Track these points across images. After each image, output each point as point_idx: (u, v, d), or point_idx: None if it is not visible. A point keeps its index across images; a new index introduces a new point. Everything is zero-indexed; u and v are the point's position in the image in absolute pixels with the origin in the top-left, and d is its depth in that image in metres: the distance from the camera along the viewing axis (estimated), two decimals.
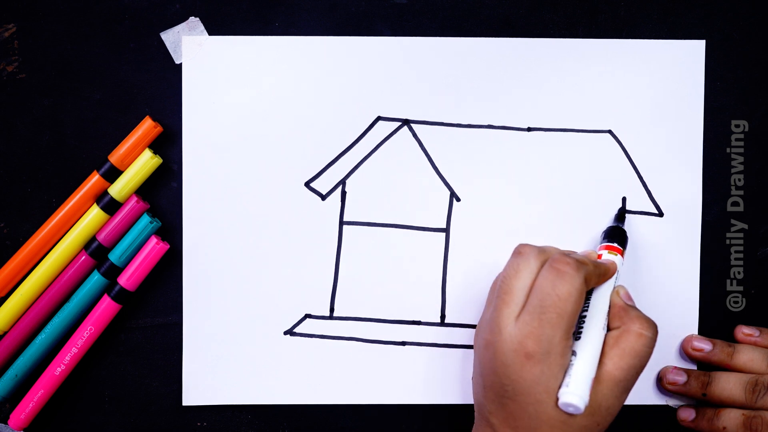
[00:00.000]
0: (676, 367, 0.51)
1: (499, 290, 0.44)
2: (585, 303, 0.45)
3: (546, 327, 0.41)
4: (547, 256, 0.44)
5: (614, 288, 0.47)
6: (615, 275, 0.47)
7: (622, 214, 0.51)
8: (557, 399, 0.41)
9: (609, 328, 0.45)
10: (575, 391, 0.41)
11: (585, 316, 0.45)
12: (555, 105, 0.51)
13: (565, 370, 0.42)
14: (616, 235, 0.49)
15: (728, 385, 0.49)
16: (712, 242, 0.52)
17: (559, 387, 0.42)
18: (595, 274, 0.45)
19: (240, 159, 0.51)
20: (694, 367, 0.51)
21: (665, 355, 0.51)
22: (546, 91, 0.51)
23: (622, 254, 0.48)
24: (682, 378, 0.50)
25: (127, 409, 0.52)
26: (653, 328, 0.44)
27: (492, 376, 0.43)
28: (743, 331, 0.51)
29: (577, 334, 0.44)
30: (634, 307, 0.45)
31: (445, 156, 0.51)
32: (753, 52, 0.52)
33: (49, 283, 0.50)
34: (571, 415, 0.41)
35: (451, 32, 0.51)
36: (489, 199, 0.51)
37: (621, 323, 0.44)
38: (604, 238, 0.49)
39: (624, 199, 0.51)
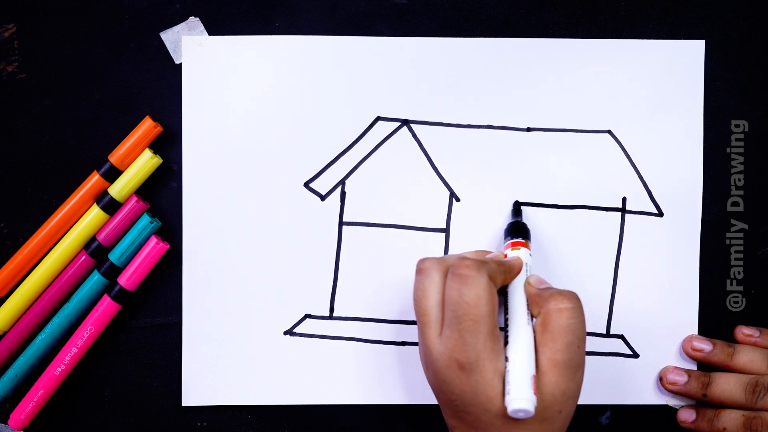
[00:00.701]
0: (676, 368, 0.51)
1: (416, 313, 0.44)
2: (505, 305, 0.45)
3: (466, 336, 0.41)
4: (447, 265, 0.44)
5: (526, 279, 0.46)
6: (524, 269, 0.46)
7: (517, 208, 0.50)
8: (505, 407, 0.40)
9: (533, 319, 0.44)
10: (518, 396, 0.40)
11: (508, 319, 0.44)
12: (555, 105, 0.51)
13: (501, 374, 0.41)
14: (516, 230, 0.48)
15: (728, 386, 0.49)
16: (712, 242, 0.52)
17: (503, 394, 0.41)
18: (499, 272, 0.44)
19: (240, 159, 0.51)
20: (695, 368, 0.51)
21: (665, 355, 0.51)
22: (545, 91, 0.51)
23: (526, 246, 0.47)
24: (682, 378, 0.50)
25: (127, 409, 0.52)
26: (571, 298, 0.42)
27: (440, 394, 0.44)
28: (743, 332, 0.51)
29: (506, 339, 0.43)
30: (548, 287, 0.44)
31: (445, 156, 0.51)
32: (753, 52, 0.51)
33: (49, 283, 0.50)
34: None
35: (451, 32, 0.51)
36: (489, 199, 0.51)
37: (540, 308, 0.43)
38: (505, 237, 0.49)
39: (624, 200, 0.51)
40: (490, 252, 0.49)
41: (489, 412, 0.41)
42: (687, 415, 0.50)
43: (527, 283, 0.45)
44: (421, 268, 0.44)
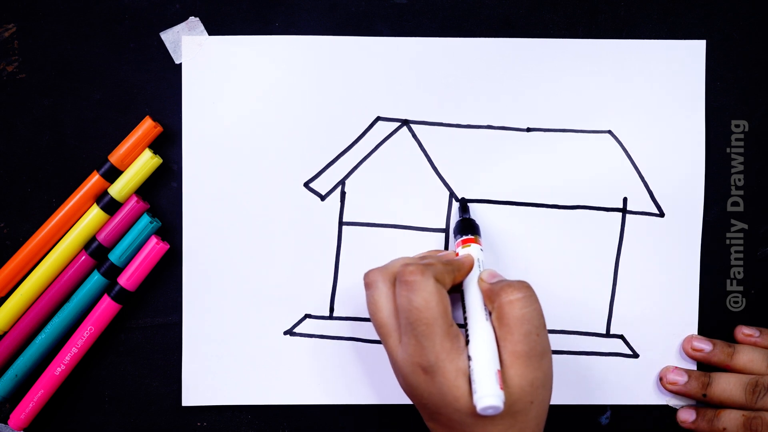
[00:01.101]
0: (676, 368, 0.51)
1: (374, 327, 0.44)
2: (462, 303, 0.45)
3: (423, 340, 0.41)
4: (393, 273, 0.44)
5: (479, 275, 0.45)
6: (476, 265, 0.46)
7: (464, 205, 0.50)
8: (474, 406, 0.40)
9: (490, 314, 0.44)
10: (484, 393, 0.40)
11: (467, 317, 0.44)
12: (555, 105, 0.51)
13: (465, 373, 0.41)
14: (465, 228, 0.48)
15: (728, 386, 0.49)
16: (712, 242, 0.52)
17: (470, 393, 0.40)
18: (447, 271, 0.44)
19: (240, 159, 0.51)
20: (695, 368, 0.51)
21: (665, 355, 0.51)
22: (546, 92, 0.51)
23: (476, 242, 0.47)
24: (682, 378, 0.50)
25: (127, 409, 0.52)
26: (521, 287, 0.42)
27: (413, 398, 0.44)
28: (743, 332, 0.51)
29: (467, 337, 0.43)
30: (500, 280, 0.44)
31: (445, 156, 0.51)
32: (753, 52, 0.51)
33: (49, 283, 0.50)
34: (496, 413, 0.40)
35: (451, 32, 0.51)
36: (489, 199, 0.51)
37: (493, 302, 0.43)
38: (455, 235, 0.49)
39: (625, 200, 0.51)
40: (441, 251, 0.49)
41: (459, 411, 0.41)
42: (687, 416, 0.50)
43: (480, 279, 0.45)
44: (368, 282, 0.45)
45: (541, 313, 0.42)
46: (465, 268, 0.45)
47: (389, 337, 0.43)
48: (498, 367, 0.41)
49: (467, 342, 0.42)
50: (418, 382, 0.42)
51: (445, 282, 0.43)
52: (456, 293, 0.46)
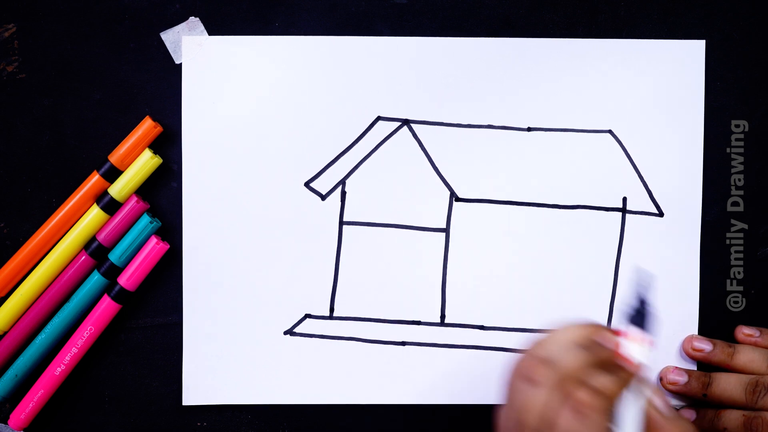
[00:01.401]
0: (676, 368, 0.51)
1: (506, 419, 0.40)
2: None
3: None
4: (565, 376, 0.37)
5: (647, 398, 0.39)
6: (642, 377, 0.39)
7: (645, 286, 0.41)
8: None
9: None
10: None
11: None
12: (555, 105, 0.51)
13: None
14: (641, 319, 0.39)
15: (728, 386, 0.49)
16: (712, 242, 0.52)
17: None
18: (617, 391, 0.38)
19: (240, 159, 0.51)
20: (695, 368, 0.51)
21: (665, 355, 0.51)
22: (546, 91, 0.51)
23: (651, 342, 0.39)
24: (682, 378, 0.50)
25: (127, 409, 0.52)
26: None
27: None
28: (744, 332, 0.51)
29: None
30: (677, 417, 0.39)
31: (445, 156, 0.51)
32: (753, 52, 0.51)
33: (49, 283, 0.50)
34: None
35: (451, 32, 0.51)
36: (489, 199, 0.51)
37: None
38: (628, 321, 0.40)
39: (624, 200, 0.51)
40: (599, 329, 0.40)
41: None
42: (687, 415, 0.50)
43: (650, 405, 0.39)
44: (532, 377, 0.38)
45: None
46: (627, 380, 0.39)
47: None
48: None
49: None
50: None
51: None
52: None
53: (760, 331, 0.51)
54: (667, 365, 0.51)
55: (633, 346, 0.39)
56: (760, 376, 0.48)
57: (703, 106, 0.51)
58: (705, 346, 0.50)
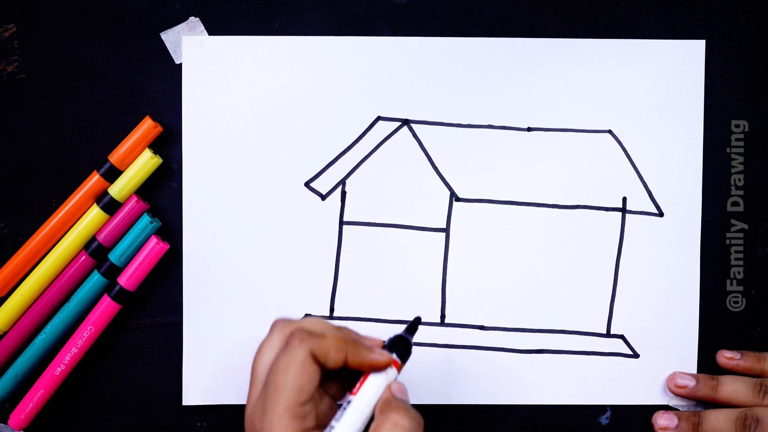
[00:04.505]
0: (666, 412, 0.51)
1: (251, 369, 0.42)
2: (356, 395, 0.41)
3: (267, 403, 0.38)
4: (293, 330, 0.40)
5: (389, 383, 0.41)
6: (384, 381, 0.41)
7: (414, 326, 0.45)
8: None
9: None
10: None
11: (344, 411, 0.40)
12: (555, 105, 0.51)
13: None
14: (401, 350, 0.43)
15: (718, 423, 0.49)
16: (712, 242, 0.52)
17: None
18: (338, 348, 0.40)
19: (240, 159, 0.51)
20: (683, 404, 0.51)
21: (665, 356, 0.51)
22: (546, 91, 0.51)
23: (398, 369, 0.42)
24: (672, 422, 0.50)
25: (127, 409, 0.52)
26: (413, 419, 0.39)
27: None
28: (725, 356, 0.51)
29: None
30: (403, 400, 0.41)
31: (445, 156, 0.51)
32: (753, 52, 0.52)
33: (49, 283, 0.50)
34: None
35: (451, 32, 0.51)
36: (489, 199, 0.51)
37: (382, 413, 0.40)
38: (390, 347, 0.43)
39: (624, 200, 0.51)
40: (368, 337, 0.43)
41: None
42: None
43: (388, 387, 0.41)
44: (271, 326, 0.42)
45: None
46: (372, 359, 0.41)
47: (253, 388, 0.41)
48: None
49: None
50: None
51: (328, 359, 0.40)
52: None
53: (741, 354, 0.51)
54: (673, 371, 0.51)
55: (392, 355, 0.42)
56: (748, 409, 0.48)
57: (703, 106, 0.51)
58: (688, 382, 0.50)
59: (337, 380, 0.42)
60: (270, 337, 0.41)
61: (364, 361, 0.41)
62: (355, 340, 0.41)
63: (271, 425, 0.38)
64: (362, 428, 0.40)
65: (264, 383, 0.39)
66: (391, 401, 0.40)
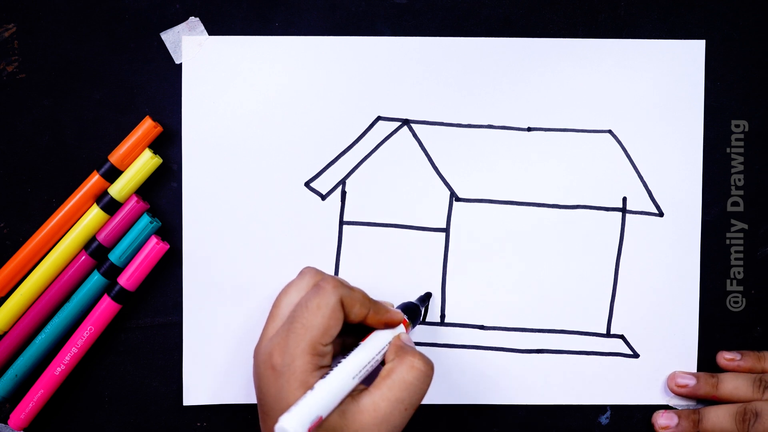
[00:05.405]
0: (666, 411, 0.51)
1: (272, 306, 0.44)
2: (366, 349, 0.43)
3: (291, 338, 0.40)
4: (321, 279, 0.43)
5: (399, 333, 0.45)
6: (400, 330, 0.45)
7: (425, 298, 0.50)
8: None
9: (385, 363, 0.43)
10: (293, 416, 0.38)
11: (345, 358, 0.42)
12: (555, 105, 0.51)
13: (306, 389, 0.40)
14: (412, 314, 0.47)
15: (718, 419, 0.49)
16: (712, 242, 0.52)
17: None
18: (363, 304, 0.43)
19: (240, 159, 0.51)
20: (684, 404, 0.51)
21: (665, 355, 0.51)
22: (546, 91, 0.51)
23: (406, 327, 0.46)
24: (673, 421, 0.50)
25: (127, 409, 0.52)
26: (428, 364, 0.42)
27: (255, 390, 0.43)
28: (725, 357, 0.51)
29: (330, 370, 0.41)
30: (414, 347, 0.44)
31: (445, 156, 0.51)
32: (753, 52, 0.52)
33: (49, 283, 0.50)
34: None
35: (451, 32, 0.51)
36: (489, 199, 0.51)
37: (395, 356, 0.42)
38: (404, 310, 0.47)
39: (624, 200, 0.51)
40: (390, 303, 0.47)
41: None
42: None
43: (397, 336, 0.44)
44: (302, 272, 0.45)
45: (422, 397, 0.42)
46: (390, 317, 0.45)
47: (272, 321, 0.43)
48: (324, 415, 0.39)
49: (327, 373, 0.41)
50: (263, 375, 0.41)
51: (353, 310, 0.43)
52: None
53: (741, 354, 0.51)
54: (673, 371, 0.51)
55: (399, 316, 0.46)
56: (747, 404, 0.48)
57: (702, 106, 0.51)
58: (688, 381, 0.50)
59: (340, 339, 0.44)
60: (299, 281, 0.44)
61: (382, 319, 0.44)
62: (375, 301, 0.45)
63: (292, 358, 0.40)
64: (367, 371, 0.42)
65: (288, 320, 0.42)
66: (404, 346, 0.43)
